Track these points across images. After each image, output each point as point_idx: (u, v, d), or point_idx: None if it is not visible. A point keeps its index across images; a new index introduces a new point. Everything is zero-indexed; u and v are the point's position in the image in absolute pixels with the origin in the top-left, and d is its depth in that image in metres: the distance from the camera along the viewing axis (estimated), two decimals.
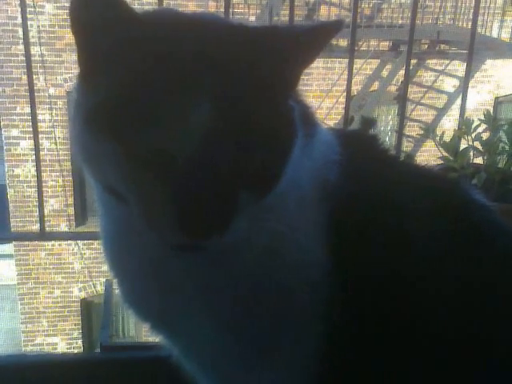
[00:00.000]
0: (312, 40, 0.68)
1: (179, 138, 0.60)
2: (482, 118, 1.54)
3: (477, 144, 1.52)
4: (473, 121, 1.54)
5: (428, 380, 0.75)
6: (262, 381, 0.78)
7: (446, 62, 7.58)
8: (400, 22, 7.20)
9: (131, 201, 0.65)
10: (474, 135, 1.52)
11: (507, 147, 1.49)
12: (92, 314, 7.58)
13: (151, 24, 0.66)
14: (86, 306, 7.63)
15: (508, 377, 0.75)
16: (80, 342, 7.62)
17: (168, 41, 0.64)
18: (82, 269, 7.40)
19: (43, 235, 1.88)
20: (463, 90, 1.83)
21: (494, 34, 7.38)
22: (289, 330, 0.75)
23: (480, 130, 1.53)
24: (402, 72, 5.85)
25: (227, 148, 0.61)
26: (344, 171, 0.76)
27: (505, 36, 7.47)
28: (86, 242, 6.92)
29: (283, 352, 0.76)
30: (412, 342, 0.74)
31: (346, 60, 1.74)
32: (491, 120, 1.54)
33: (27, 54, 1.70)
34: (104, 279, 6.26)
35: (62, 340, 7.64)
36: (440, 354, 0.74)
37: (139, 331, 6.75)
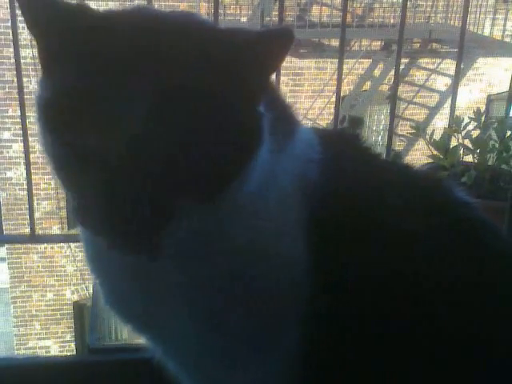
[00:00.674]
0: (261, 47, 0.65)
1: (111, 137, 0.60)
2: (472, 115, 1.55)
3: (467, 142, 1.52)
4: (463, 119, 1.54)
5: (428, 380, 0.75)
6: (248, 381, 0.78)
7: (438, 60, 7.60)
8: (392, 21, 7.21)
9: (69, 194, 0.67)
10: (464, 133, 1.53)
11: (497, 145, 1.49)
12: (85, 316, 7.55)
13: (98, 21, 0.66)
14: (79, 309, 7.60)
15: (508, 377, 0.76)
16: (73, 344, 7.59)
17: (108, 40, 0.63)
18: (75, 271, 7.37)
19: (34, 238, 1.87)
20: (453, 88, 1.83)
21: (486, 32, 7.40)
22: (273, 328, 0.74)
23: (470, 127, 1.54)
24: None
25: (162, 152, 0.60)
26: (325, 170, 0.75)
27: (496, 34, 7.49)
28: (78, 244, 6.86)
29: (268, 351, 0.76)
30: (411, 342, 0.74)
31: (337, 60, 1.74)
32: (481, 118, 1.54)
33: (17, 57, 1.69)
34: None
35: (55, 343, 7.61)
36: (440, 354, 0.74)
37: (132, 333, 6.72)
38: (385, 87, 7.34)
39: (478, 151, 1.50)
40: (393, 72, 2.17)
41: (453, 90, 1.83)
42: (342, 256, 0.73)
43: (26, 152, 1.73)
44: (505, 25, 7.53)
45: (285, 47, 0.66)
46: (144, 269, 0.72)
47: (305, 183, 0.74)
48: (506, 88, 2.21)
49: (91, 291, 7.21)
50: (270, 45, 0.65)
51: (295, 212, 0.73)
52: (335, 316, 0.73)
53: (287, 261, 0.73)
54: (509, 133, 1.51)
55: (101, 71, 0.61)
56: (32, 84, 6.58)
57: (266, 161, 0.69)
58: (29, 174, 1.78)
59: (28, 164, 1.76)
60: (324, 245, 0.73)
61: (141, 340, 0.88)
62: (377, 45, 7.52)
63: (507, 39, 7.47)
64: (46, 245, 7.12)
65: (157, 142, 0.60)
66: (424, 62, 7.64)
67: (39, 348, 7.55)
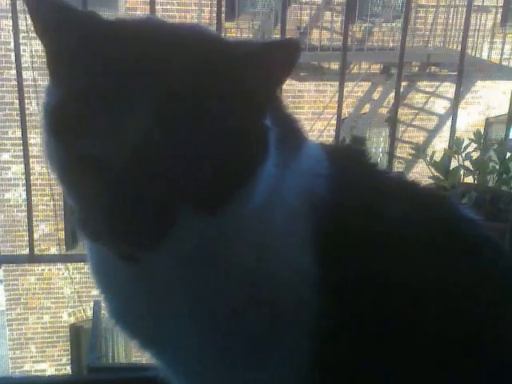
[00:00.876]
0: (266, 58, 0.65)
1: (117, 139, 0.60)
2: (472, 137, 1.55)
3: (467, 163, 1.52)
4: (463, 140, 1.54)
5: (428, 380, 0.75)
6: (249, 383, 0.77)
7: (437, 83, 7.64)
8: (391, 44, 7.27)
9: (72, 202, 0.67)
10: (464, 154, 1.53)
11: (497, 166, 1.49)
12: (81, 339, 7.49)
13: (108, 28, 0.67)
14: (75, 331, 7.54)
15: (508, 377, 0.76)
16: (69, 367, 7.53)
17: (115, 47, 0.64)
18: (72, 294, 7.33)
19: (32, 257, 1.86)
20: (453, 109, 1.84)
21: (484, 56, 7.45)
22: (275, 330, 0.74)
23: (470, 149, 1.54)
24: (393, 94, 5.90)
25: (164, 160, 0.61)
26: (332, 185, 0.75)
27: (494, 57, 7.54)
28: (76, 266, 6.86)
29: (270, 352, 0.75)
30: (412, 343, 0.74)
31: (338, 83, 1.74)
32: (481, 140, 1.54)
33: (19, 79, 1.70)
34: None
35: (51, 366, 7.53)
36: (440, 354, 0.74)
37: (129, 353, 6.65)
38: (384, 110, 7.38)
39: (478, 172, 1.50)
40: (392, 95, 2.18)
41: (453, 112, 1.83)
42: (349, 269, 0.73)
43: (27, 174, 1.74)
44: (503, 48, 7.58)
45: (291, 58, 0.65)
46: (149, 281, 0.72)
47: (312, 198, 0.74)
48: (504, 111, 2.21)
49: (88, 313, 7.17)
50: (275, 56, 0.65)
51: (301, 227, 0.73)
52: (338, 318, 0.73)
53: (293, 271, 0.72)
54: (509, 154, 1.52)
55: (108, 75, 0.61)
56: (32, 106, 6.62)
57: (271, 175, 0.69)
58: (29, 194, 1.78)
59: (28, 186, 1.76)
60: (330, 258, 0.73)
61: (142, 359, 0.87)
62: (376, 68, 7.57)
63: (505, 63, 7.52)
64: (43, 266, 7.09)
65: (161, 146, 0.60)
66: (423, 85, 7.69)
67: (35, 371, 7.47)
